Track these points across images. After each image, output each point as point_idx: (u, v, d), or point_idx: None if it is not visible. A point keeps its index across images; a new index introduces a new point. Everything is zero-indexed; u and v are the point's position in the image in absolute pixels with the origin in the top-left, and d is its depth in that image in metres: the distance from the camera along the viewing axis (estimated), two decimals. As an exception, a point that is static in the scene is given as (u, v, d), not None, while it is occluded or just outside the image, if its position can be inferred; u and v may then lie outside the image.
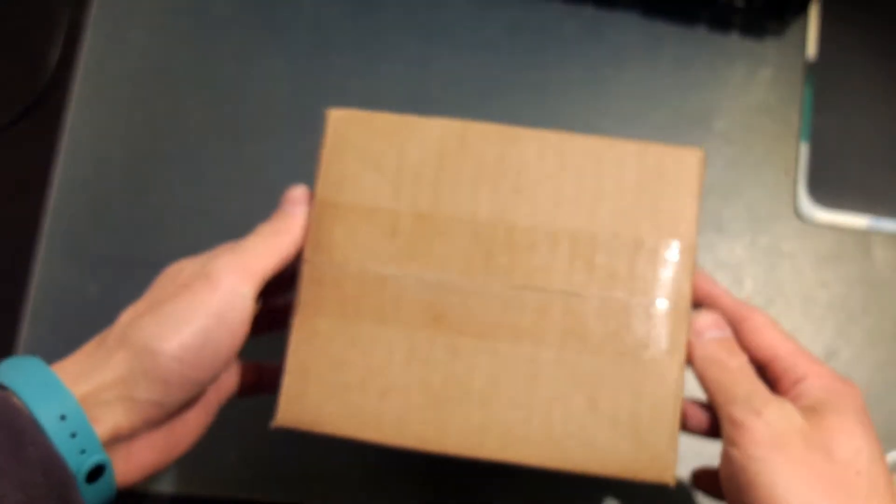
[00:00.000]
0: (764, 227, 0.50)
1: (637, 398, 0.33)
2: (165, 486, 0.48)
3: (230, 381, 0.38)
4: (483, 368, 0.33)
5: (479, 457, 0.33)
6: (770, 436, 0.30)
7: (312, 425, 0.34)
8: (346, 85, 0.54)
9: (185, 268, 0.34)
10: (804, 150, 0.51)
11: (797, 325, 0.48)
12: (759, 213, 0.50)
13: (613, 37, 0.54)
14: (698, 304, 0.35)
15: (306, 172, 0.53)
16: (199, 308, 0.32)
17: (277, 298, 0.40)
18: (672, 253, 0.34)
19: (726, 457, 0.31)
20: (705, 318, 0.34)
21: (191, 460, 0.48)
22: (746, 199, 0.51)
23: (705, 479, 0.40)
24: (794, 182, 0.51)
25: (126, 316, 0.33)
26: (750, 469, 0.30)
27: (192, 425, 0.36)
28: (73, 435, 0.29)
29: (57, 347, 0.50)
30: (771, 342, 0.34)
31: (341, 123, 0.36)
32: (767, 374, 0.34)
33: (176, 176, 0.53)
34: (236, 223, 0.52)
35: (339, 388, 0.34)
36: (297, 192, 0.37)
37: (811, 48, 0.53)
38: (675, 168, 0.35)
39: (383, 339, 0.34)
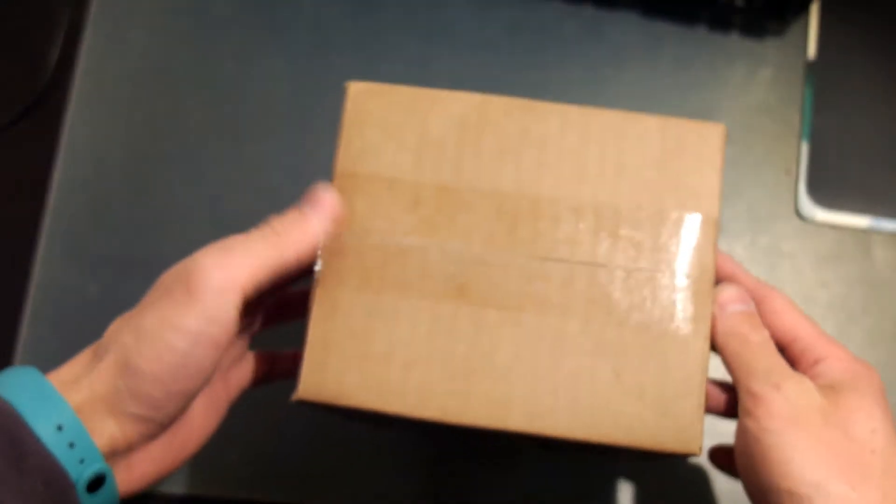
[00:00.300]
0: (764, 227, 0.50)
1: (663, 370, 0.32)
2: (166, 486, 0.47)
3: (240, 374, 0.37)
4: (507, 340, 0.33)
5: (504, 428, 0.32)
6: (788, 410, 0.30)
7: (334, 398, 0.33)
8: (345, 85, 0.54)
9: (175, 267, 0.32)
10: (804, 150, 0.51)
11: (797, 325, 0.48)
12: (759, 212, 0.50)
13: (613, 37, 0.54)
14: (720, 282, 0.35)
15: (306, 172, 0.54)
16: (175, 322, 0.29)
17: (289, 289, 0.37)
18: (695, 225, 0.34)
19: (742, 429, 0.31)
20: (729, 291, 0.34)
21: (191, 460, 0.48)
22: (746, 199, 0.51)
23: (722, 457, 0.40)
24: (795, 182, 0.51)
25: (116, 323, 0.32)
26: (764, 441, 0.30)
27: (197, 427, 0.34)
28: (72, 445, 0.28)
29: (57, 347, 0.51)
30: (791, 323, 0.34)
31: (361, 96, 0.35)
32: (787, 355, 0.33)
33: (176, 176, 0.53)
34: (236, 223, 0.52)
35: (362, 360, 0.33)
36: (321, 194, 0.33)
37: (811, 48, 0.53)
38: (698, 142, 0.34)
39: (406, 311, 0.33)
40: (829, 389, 0.31)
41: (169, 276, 0.31)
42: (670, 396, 0.32)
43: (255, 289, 0.31)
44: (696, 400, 0.32)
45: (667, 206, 0.34)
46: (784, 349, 0.33)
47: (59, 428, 0.28)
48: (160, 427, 0.31)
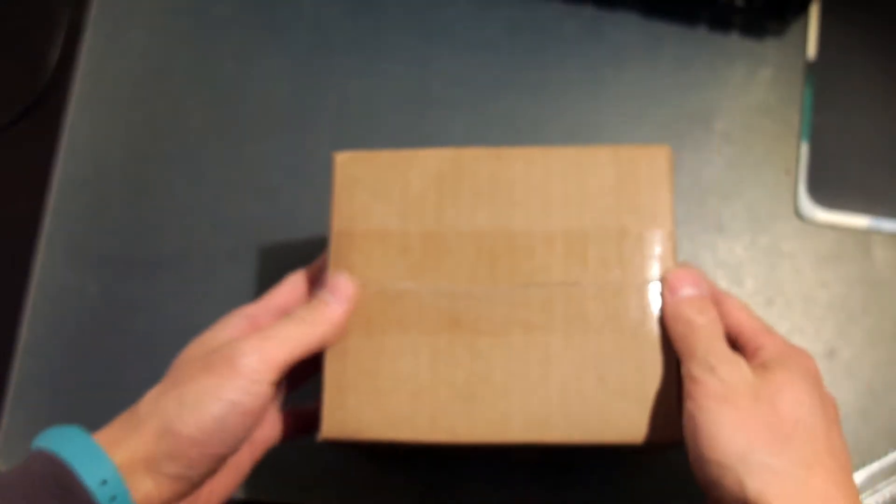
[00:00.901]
0: (764, 227, 0.50)
1: (640, 370, 0.36)
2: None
3: (267, 434, 0.40)
4: (501, 362, 0.36)
5: (506, 442, 0.36)
6: (721, 389, 0.33)
7: (354, 433, 0.36)
8: (346, 85, 0.54)
9: (206, 342, 0.36)
10: (804, 150, 0.51)
11: (797, 325, 0.48)
12: (759, 213, 0.50)
13: (613, 37, 0.54)
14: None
15: (306, 172, 0.54)
16: (217, 392, 0.34)
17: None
18: (654, 239, 0.37)
19: (684, 411, 0.34)
20: (680, 274, 0.36)
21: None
22: (746, 199, 0.51)
23: None
24: (795, 182, 0.51)
25: (153, 392, 0.35)
26: (698, 418, 0.32)
27: (221, 486, 0.38)
28: (113, 498, 0.31)
29: (57, 347, 0.51)
30: (738, 320, 0.36)
31: (347, 164, 0.39)
32: (738, 343, 0.36)
33: (176, 176, 0.53)
34: (236, 223, 0.52)
35: (374, 396, 0.37)
36: (342, 284, 0.38)
37: (811, 48, 0.53)
38: (648, 165, 0.38)
39: (408, 347, 0.37)
40: (762, 368, 0.34)
41: (206, 352, 0.35)
42: (651, 393, 0.36)
43: (287, 367, 0.36)
44: (674, 392, 0.35)
45: (627, 225, 0.37)
46: (735, 339, 0.36)
47: (104, 482, 0.31)
48: (192, 486, 0.34)
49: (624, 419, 0.35)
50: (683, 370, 0.34)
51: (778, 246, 0.50)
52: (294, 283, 0.40)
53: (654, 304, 0.37)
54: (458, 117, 0.53)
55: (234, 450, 0.35)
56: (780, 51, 0.53)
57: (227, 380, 0.34)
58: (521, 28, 0.55)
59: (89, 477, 0.31)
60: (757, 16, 0.52)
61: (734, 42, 0.53)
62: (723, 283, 0.49)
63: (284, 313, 0.38)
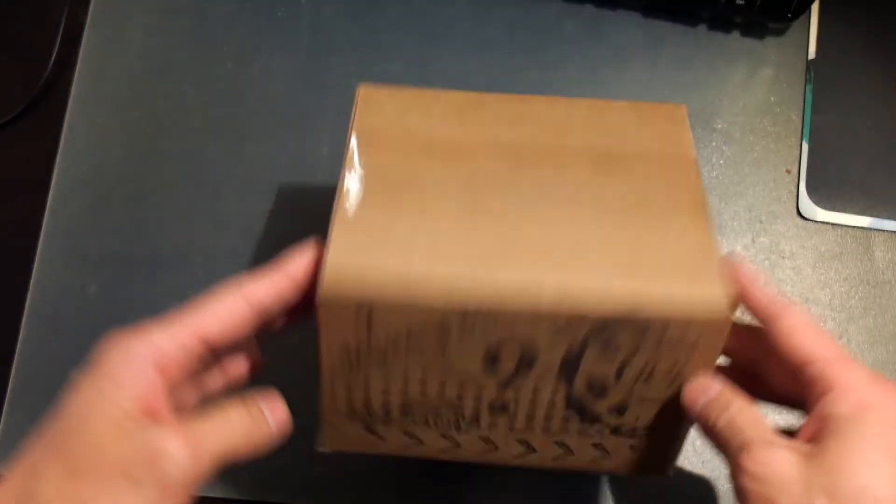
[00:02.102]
0: (764, 227, 0.50)
1: (677, 245, 0.33)
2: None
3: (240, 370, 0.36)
4: (530, 230, 0.33)
5: (538, 307, 0.31)
6: (762, 492, 0.28)
7: (359, 289, 0.32)
8: (346, 85, 0.54)
9: (113, 401, 0.29)
10: (804, 150, 0.51)
11: (798, 325, 0.48)
12: (760, 212, 0.50)
13: (613, 37, 0.54)
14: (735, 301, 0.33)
15: (306, 172, 0.54)
16: None
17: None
18: (678, 160, 0.37)
19: None
20: (691, 388, 0.33)
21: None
22: (747, 198, 0.51)
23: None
24: (795, 182, 0.51)
25: (48, 491, 0.28)
26: None
27: None
28: None
29: (57, 347, 0.50)
30: (801, 345, 0.31)
31: (370, 93, 0.39)
32: (803, 380, 0.31)
33: (176, 176, 0.53)
34: (236, 223, 0.52)
35: (385, 254, 0.32)
36: (279, 409, 0.33)
37: (811, 48, 0.53)
38: (667, 113, 0.39)
39: (430, 211, 0.34)
40: (819, 441, 0.28)
41: (115, 432, 0.29)
42: (693, 266, 0.32)
43: (220, 464, 0.31)
44: (717, 264, 0.32)
45: (651, 148, 0.37)
46: (801, 373, 0.31)
47: None
48: None
49: (663, 290, 0.32)
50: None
51: (778, 246, 0.50)
52: (231, 307, 0.33)
53: (681, 196, 0.35)
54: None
55: None
56: (780, 50, 0.53)
57: (149, 491, 0.28)
58: (521, 28, 0.55)
59: None
60: (757, 15, 0.52)
61: (734, 42, 0.53)
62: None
63: (208, 344, 0.32)
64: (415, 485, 0.47)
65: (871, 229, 0.50)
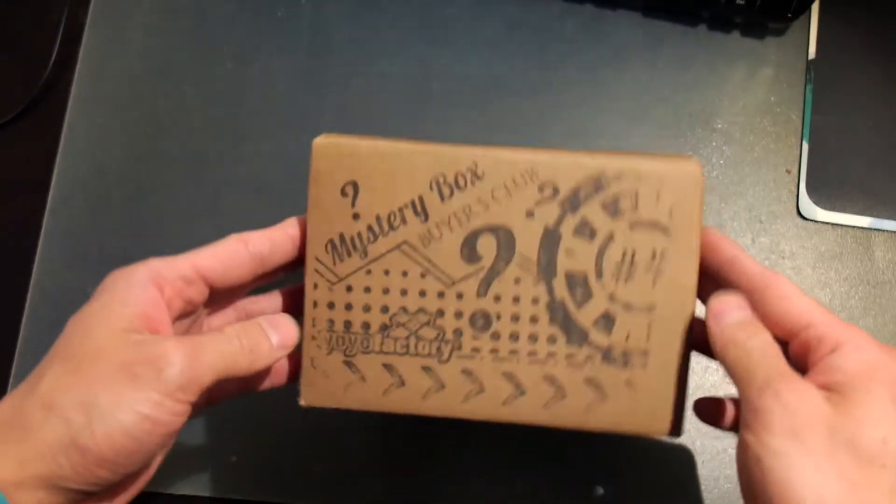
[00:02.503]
0: (764, 227, 0.50)
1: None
2: (165, 487, 0.47)
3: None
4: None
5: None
6: (788, 422, 0.28)
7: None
8: (346, 85, 0.54)
9: (114, 315, 0.31)
10: (805, 150, 0.51)
11: (798, 325, 0.48)
12: (760, 212, 0.50)
13: (613, 37, 0.54)
14: (721, 269, 0.33)
15: (306, 172, 0.53)
16: (135, 405, 0.29)
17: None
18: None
19: (742, 444, 0.29)
20: (724, 299, 0.32)
21: (191, 460, 0.48)
22: (747, 198, 0.51)
23: (707, 408, 0.38)
24: (795, 182, 0.51)
25: (49, 382, 0.29)
26: (764, 461, 0.27)
27: (130, 485, 0.33)
28: None
29: (57, 348, 0.50)
30: (801, 309, 0.31)
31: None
32: (797, 345, 0.31)
33: (176, 176, 0.53)
34: (236, 223, 0.52)
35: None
36: (286, 326, 0.34)
37: (811, 48, 0.53)
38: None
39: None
40: (838, 392, 0.28)
41: (114, 341, 0.30)
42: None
43: (210, 386, 0.31)
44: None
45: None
46: (796, 337, 0.31)
47: None
48: (96, 495, 0.30)
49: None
50: (742, 398, 0.30)
51: (778, 246, 0.50)
52: (229, 248, 0.35)
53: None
54: (457, 117, 0.53)
55: (144, 467, 0.31)
56: (780, 50, 0.53)
57: (148, 391, 0.29)
58: (521, 27, 0.55)
59: None
60: (757, 15, 0.52)
61: (734, 41, 0.53)
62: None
63: (205, 279, 0.34)
64: (415, 485, 0.47)
65: (871, 229, 0.50)
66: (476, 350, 0.35)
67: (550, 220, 0.34)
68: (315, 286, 0.35)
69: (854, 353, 0.29)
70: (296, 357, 0.37)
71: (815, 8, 0.53)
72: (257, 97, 0.55)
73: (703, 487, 0.46)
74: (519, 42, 0.54)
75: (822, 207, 0.50)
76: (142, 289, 0.32)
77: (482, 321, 0.35)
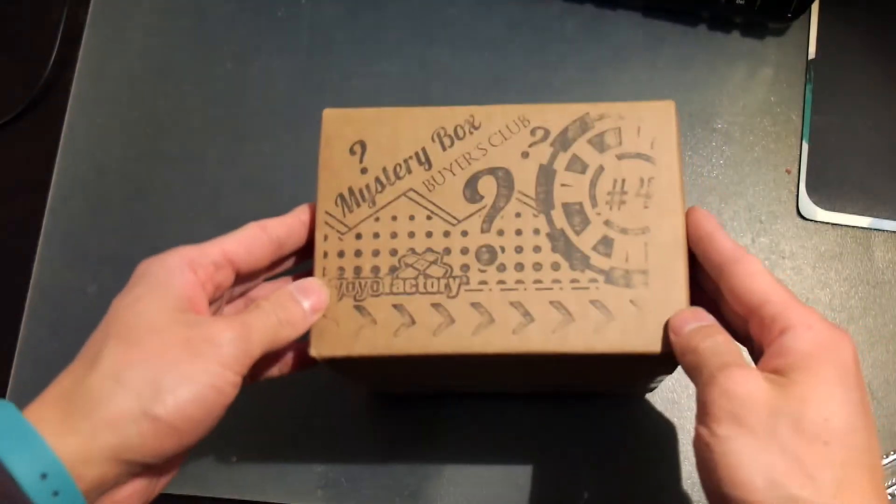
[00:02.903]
0: (764, 227, 0.50)
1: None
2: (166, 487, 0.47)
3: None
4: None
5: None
6: (730, 409, 0.29)
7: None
8: (346, 85, 0.54)
9: (163, 296, 0.32)
10: (804, 150, 0.51)
11: (798, 325, 0.48)
12: (760, 212, 0.50)
13: (613, 37, 0.54)
14: (698, 244, 0.35)
15: (306, 172, 0.53)
16: (201, 377, 0.30)
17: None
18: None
19: (695, 437, 0.30)
20: (682, 315, 0.33)
21: (191, 460, 0.48)
22: (747, 198, 0.51)
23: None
24: (795, 182, 0.51)
25: (111, 358, 0.30)
26: (714, 448, 0.28)
27: (175, 463, 0.35)
28: (56, 493, 0.27)
29: (57, 347, 0.50)
30: (761, 287, 0.31)
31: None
32: (755, 324, 0.32)
33: (176, 176, 0.53)
34: (236, 223, 0.52)
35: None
36: (318, 290, 0.35)
37: (811, 48, 0.53)
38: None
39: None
40: (785, 374, 0.29)
41: (169, 321, 0.32)
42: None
43: (258, 359, 0.33)
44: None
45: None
46: (755, 314, 0.32)
47: (44, 476, 0.27)
48: (154, 469, 0.32)
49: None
50: (697, 397, 0.31)
51: (778, 245, 0.50)
52: (251, 234, 0.36)
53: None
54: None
55: (205, 436, 0.32)
56: (780, 50, 0.53)
57: (211, 364, 0.31)
58: (522, 27, 0.55)
59: (23, 471, 0.27)
60: (757, 15, 0.52)
61: (734, 41, 0.53)
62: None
63: (232, 263, 0.35)
64: (415, 485, 0.47)
65: (871, 229, 0.50)
66: (483, 283, 0.35)
67: (544, 159, 0.36)
68: (325, 238, 0.36)
69: (804, 333, 0.30)
70: (302, 347, 0.37)
71: (815, 8, 0.53)
72: (257, 97, 0.55)
73: (695, 489, 0.46)
74: (519, 42, 0.54)
75: (822, 207, 0.50)
76: (180, 273, 0.33)
77: (487, 255, 0.36)
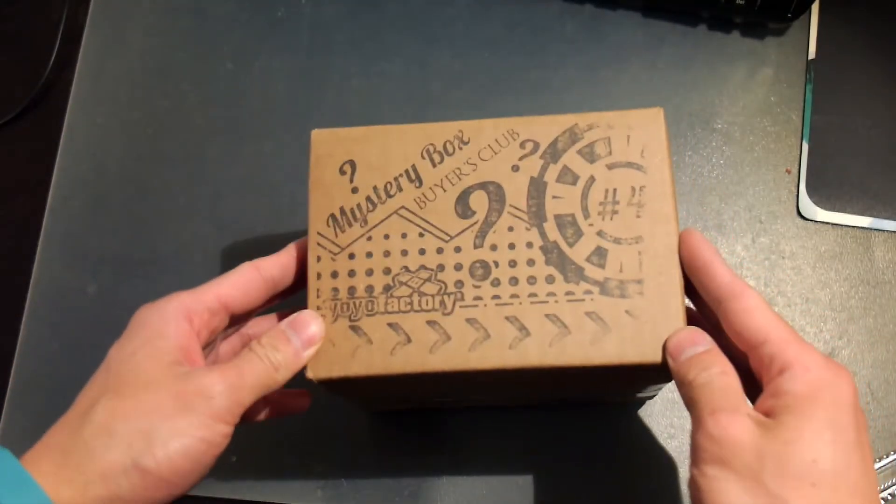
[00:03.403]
0: (764, 227, 0.50)
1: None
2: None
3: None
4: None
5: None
6: (718, 453, 0.29)
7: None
8: (346, 85, 0.54)
9: (156, 349, 0.33)
10: (805, 150, 0.51)
11: (798, 325, 0.48)
12: (760, 212, 0.50)
13: (613, 37, 0.54)
14: (696, 274, 0.34)
15: (306, 173, 0.53)
16: (192, 431, 0.31)
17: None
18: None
19: (689, 478, 0.31)
20: (679, 337, 0.33)
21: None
22: (747, 198, 0.51)
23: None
24: (795, 182, 0.51)
25: (104, 411, 0.31)
26: (702, 487, 0.29)
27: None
28: None
29: (57, 347, 0.50)
30: (760, 325, 0.31)
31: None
32: (755, 360, 0.32)
33: (176, 176, 0.53)
34: (236, 223, 0.52)
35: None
36: (310, 324, 0.35)
37: (811, 48, 0.53)
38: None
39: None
40: (776, 416, 0.29)
41: (163, 374, 0.32)
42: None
43: (249, 406, 0.34)
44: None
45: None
46: (754, 352, 0.32)
47: None
48: None
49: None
50: (690, 437, 0.31)
51: (778, 245, 0.50)
52: (245, 276, 0.36)
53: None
54: (457, 117, 0.53)
55: (192, 488, 0.33)
56: (780, 50, 0.53)
57: (201, 417, 0.31)
58: (521, 28, 0.55)
59: None
60: (757, 15, 0.52)
61: (734, 42, 0.53)
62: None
63: (227, 308, 0.35)
64: (415, 486, 0.47)
65: (871, 229, 0.50)
66: (478, 298, 0.35)
67: (535, 171, 0.36)
68: (318, 259, 0.36)
69: (801, 374, 0.30)
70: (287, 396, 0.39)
71: (815, 8, 0.53)
72: (257, 97, 0.55)
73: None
74: (519, 42, 0.54)
75: (822, 207, 0.50)
76: (176, 324, 0.34)
77: (481, 270, 0.36)
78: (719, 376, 0.31)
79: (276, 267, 0.37)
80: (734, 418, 0.29)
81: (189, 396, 0.32)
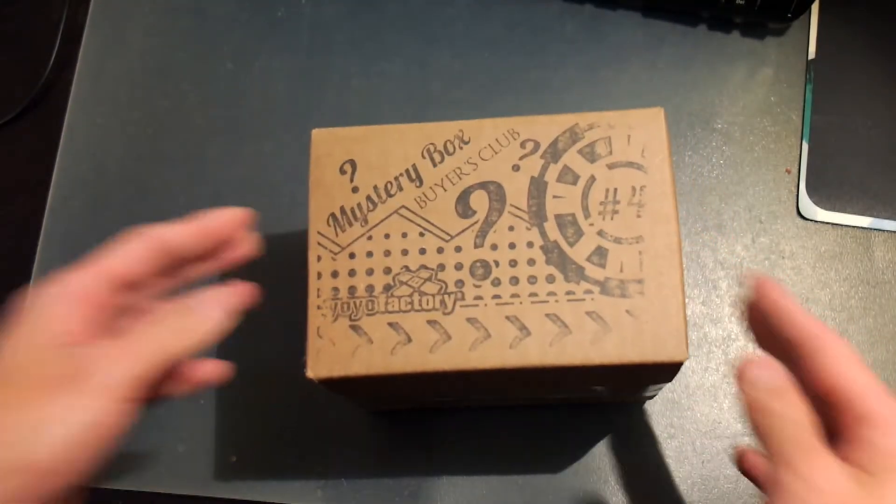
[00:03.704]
0: (764, 227, 0.50)
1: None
2: (165, 487, 0.47)
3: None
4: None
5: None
6: (805, 493, 0.27)
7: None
8: (346, 85, 0.54)
9: (34, 336, 0.31)
10: (805, 150, 0.51)
11: (798, 325, 0.48)
12: (760, 212, 0.50)
13: (613, 37, 0.54)
14: (772, 318, 0.32)
15: (307, 173, 0.54)
16: (71, 415, 0.29)
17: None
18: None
19: None
20: (756, 364, 0.31)
21: (191, 460, 0.48)
22: (747, 198, 0.51)
23: (747, 461, 0.37)
24: (795, 182, 0.51)
25: None
26: None
27: (79, 493, 0.33)
28: None
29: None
30: (848, 376, 0.30)
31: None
32: (836, 408, 0.30)
33: (176, 176, 0.53)
34: (236, 223, 0.52)
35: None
36: (220, 295, 0.34)
37: (811, 48, 0.53)
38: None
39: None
40: (869, 471, 0.28)
41: (37, 358, 0.30)
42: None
43: (155, 380, 0.31)
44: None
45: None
46: (837, 401, 0.30)
47: None
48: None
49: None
50: (770, 469, 0.29)
51: (778, 245, 0.50)
52: (135, 246, 0.34)
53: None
54: (457, 117, 0.53)
55: (93, 472, 0.30)
56: (780, 50, 0.53)
57: (81, 398, 0.29)
58: (521, 28, 0.55)
59: None
60: (757, 15, 0.52)
61: (734, 42, 0.53)
62: (724, 284, 0.49)
63: (121, 285, 0.33)
64: (415, 486, 0.47)
65: (871, 229, 0.50)
66: (479, 298, 0.35)
67: (535, 171, 0.36)
68: (318, 258, 0.36)
69: (888, 429, 0.29)
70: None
71: (815, 8, 0.53)
72: (257, 97, 0.55)
73: (703, 487, 0.46)
74: (519, 42, 0.54)
75: (822, 207, 0.50)
76: (59, 305, 0.31)
77: (482, 270, 0.36)
78: (798, 409, 0.30)
79: (172, 238, 0.35)
80: (831, 465, 0.28)
81: (72, 378, 0.29)
